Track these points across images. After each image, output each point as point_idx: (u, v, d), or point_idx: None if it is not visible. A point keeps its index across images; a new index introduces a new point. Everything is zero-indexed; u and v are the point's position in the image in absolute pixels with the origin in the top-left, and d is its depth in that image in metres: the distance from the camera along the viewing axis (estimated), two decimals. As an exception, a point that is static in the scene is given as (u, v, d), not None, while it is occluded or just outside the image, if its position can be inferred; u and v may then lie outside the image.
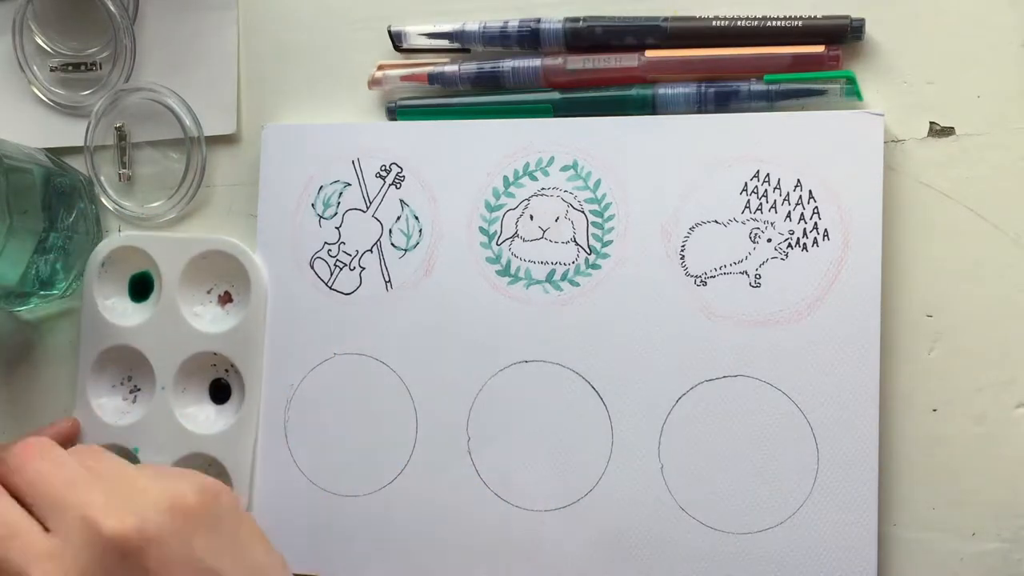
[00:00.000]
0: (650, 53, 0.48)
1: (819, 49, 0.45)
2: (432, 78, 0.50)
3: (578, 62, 0.49)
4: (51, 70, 0.56)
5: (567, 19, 0.49)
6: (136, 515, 0.34)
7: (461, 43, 0.50)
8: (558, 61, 0.49)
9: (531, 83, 0.49)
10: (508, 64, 0.49)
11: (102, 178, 0.56)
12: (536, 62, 0.49)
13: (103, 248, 0.54)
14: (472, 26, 0.50)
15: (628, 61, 0.48)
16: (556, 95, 0.49)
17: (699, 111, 0.47)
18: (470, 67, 0.50)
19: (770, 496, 0.45)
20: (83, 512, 0.33)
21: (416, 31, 0.51)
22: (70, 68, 0.56)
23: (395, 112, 0.51)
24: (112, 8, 0.54)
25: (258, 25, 0.54)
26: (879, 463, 0.44)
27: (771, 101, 0.46)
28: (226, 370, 0.54)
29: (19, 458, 0.35)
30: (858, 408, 0.44)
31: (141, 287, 0.55)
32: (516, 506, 0.48)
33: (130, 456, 0.53)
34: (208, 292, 0.54)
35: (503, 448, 0.49)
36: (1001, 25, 0.45)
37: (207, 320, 0.53)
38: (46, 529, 0.33)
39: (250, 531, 0.38)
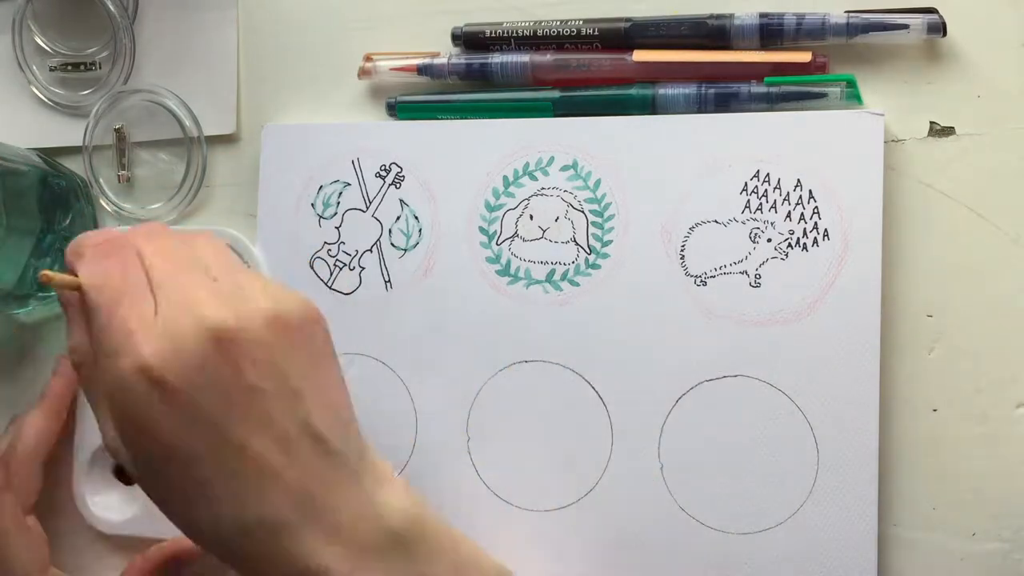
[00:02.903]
0: (638, 54, 0.48)
1: (806, 56, 0.46)
2: (421, 69, 0.51)
3: (566, 61, 0.49)
4: (50, 70, 0.56)
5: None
6: (239, 312, 0.35)
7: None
8: (546, 58, 0.49)
9: (520, 79, 0.50)
10: (497, 59, 0.50)
11: (101, 180, 0.56)
12: (525, 58, 0.49)
13: None
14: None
15: (617, 61, 0.48)
16: (556, 93, 0.49)
17: (699, 111, 0.47)
18: (459, 60, 0.50)
19: (770, 496, 0.45)
20: (191, 295, 0.35)
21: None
22: (69, 68, 0.56)
23: (395, 108, 0.51)
24: (112, 8, 0.54)
25: (258, 25, 0.54)
26: (879, 463, 0.44)
27: (771, 103, 0.46)
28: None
29: (155, 229, 0.38)
30: (858, 408, 0.44)
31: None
32: (516, 506, 0.48)
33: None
34: None
35: (503, 448, 0.48)
36: (1001, 25, 0.45)
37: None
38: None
39: (332, 366, 0.39)
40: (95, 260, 0.38)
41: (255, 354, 0.35)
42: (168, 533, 0.52)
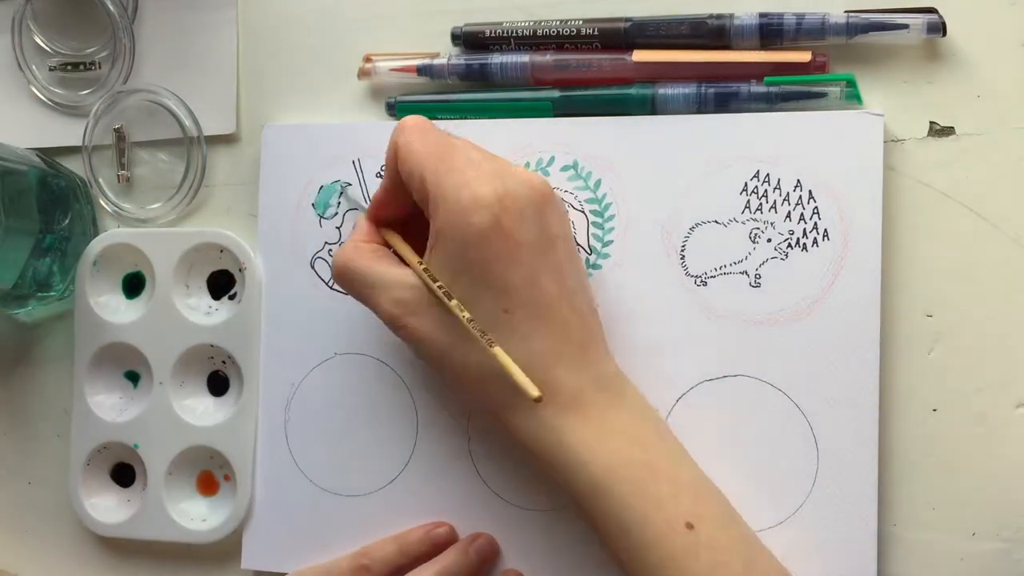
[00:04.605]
0: (638, 54, 0.48)
1: (806, 56, 0.46)
2: (421, 70, 0.51)
3: (566, 61, 0.49)
4: (50, 70, 0.56)
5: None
6: (537, 179, 0.42)
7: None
8: (546, 58, 0.49)
9: (519, 79, 0.50)
10: (497, 59, 0.50)
11: (101, 180, 0.55)
12: (524, 58, 0.49)
13: (95, 246, 0.54)
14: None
15: (617, 61, 0.48)
16: (556, 93, 0.49)
17: (699, 111, 0.47)
18: (459, 60, 0.50)
19: (770, 496, 0.45)
20: (500, 165, 0.42)
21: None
22: (69, 68, 0.56)
23: (395, 108, 0.51)
24: (111, 8, 0.54)
25: (258, 25, 0.54)
26: (879, 463, 0.44)
27: (771, 103, 0.46)
28: (223, 362, 0.54)
29: (416, 123, 0.44)
30: (858, 408, 0.44)
31: (134, 284, 0.55)
32: (516, 506, 0.48)
33: (131, 452, 0.53)
34: (201, 285, 0.54)
35: (503, 448, 0.48)
36: (1001, 25, 0.45)
37: (202, 312, 0.53)
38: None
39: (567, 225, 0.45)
40: (420, 134, 0.43)
41: (556, 208, 0.43)
42: (164, 536, 0.52)
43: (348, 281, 0.45)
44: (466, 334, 0.41)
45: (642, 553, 0.40)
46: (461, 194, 0.41)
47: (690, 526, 0.39)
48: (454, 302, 0.41)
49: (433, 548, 0.48)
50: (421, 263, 0.43)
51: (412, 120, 0.44)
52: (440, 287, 0.41)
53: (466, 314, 0.41)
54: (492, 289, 0.41)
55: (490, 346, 0.40)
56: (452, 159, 0.42)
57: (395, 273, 0.43)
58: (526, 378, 0.40)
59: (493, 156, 0.43)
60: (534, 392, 0.40)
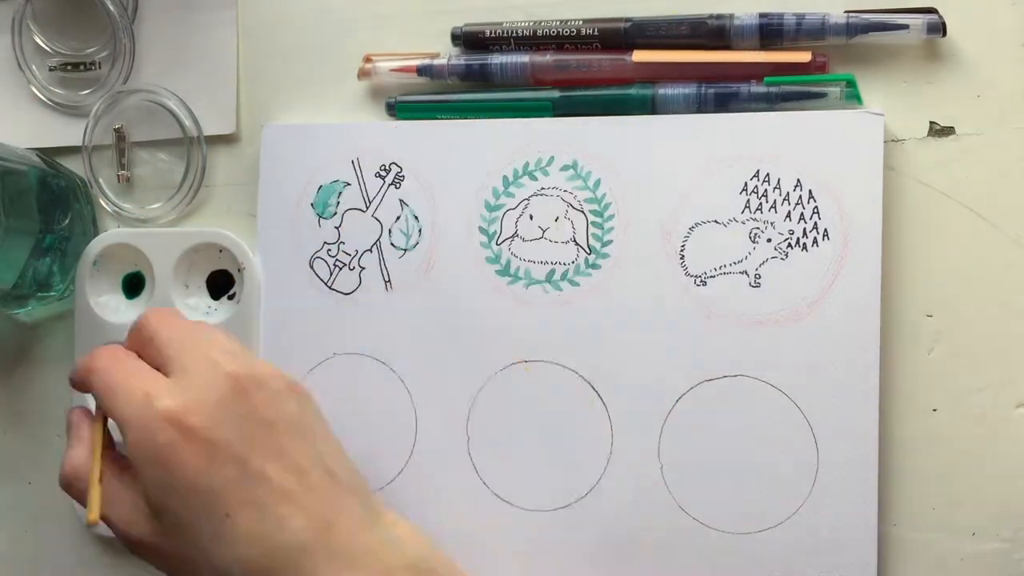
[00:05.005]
0: (638, 55, 0.48)
1: (806, 56, 0.46)
2: (421, 70, 0.51)
3: (566, 61, 0.49)
4: (50, 70, 0.56)
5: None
6: (250, 364, 0.41)
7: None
8: (546, 58, 0.49)
9: (519, 79, 0.50)
10: (497, 59, 0.50)
11: (100, 180, 0.55)
12: (524, 58, 0.49)
13: (95, 246, 0.54)
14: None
15: (617, 62, 0.48)
16: (556, 93, 0.49)
17: (699, 111, 0.47)
18: (459, 60, 0.50)
19: (770, 496, 0.45)
20: (206, 353, 0.41)
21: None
22: (69, 68, 0.56)
23: (394, 108, 0.51)
24: (111, 8, 0.54)
25: (257, 25, 0.54)
26: (879, 463, 0.44)
27: (771, 103, 0.46)
28: (222, 363, 0.54)
29: (155, 321, 0.43)
30: (858, 408, 0.44)
31: (134, 284, 0.55)
32: (516, 506, 0.48)
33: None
34: (201, 285, 0.54)
35: (503, 448, 0.48)
36: (1001, 25, 0.45)
37: (201, 312, 0.53)
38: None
39: (327, 424, 0.44)
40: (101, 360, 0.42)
41: (267, 394, 0.41)
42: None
43: (76, 495, 0.44)
44: (197, 550, 0.39)
45: None
46: (130, 411, 0.40)
47: None
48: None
49: None
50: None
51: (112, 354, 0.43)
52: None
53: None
54: (201, 496, 0.39)
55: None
56: (118, 371, 0.42)
57: (120, 505, 0.42)
58: (93, 503, 0.40)
59: (179, 359, 0.42)
60: (90, 516, 0.41)
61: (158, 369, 0.42)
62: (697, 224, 0.47)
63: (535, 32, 0.49)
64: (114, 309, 0.54)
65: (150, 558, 0.41)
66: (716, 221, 0.47)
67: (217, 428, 0.39)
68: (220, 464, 0.39)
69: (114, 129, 0.55)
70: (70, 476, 0.43)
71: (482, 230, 0.49)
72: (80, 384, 0.43)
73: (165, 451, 0.38)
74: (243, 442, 0.39)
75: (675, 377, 0.46)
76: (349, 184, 0.51)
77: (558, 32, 0.49)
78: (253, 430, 0.39)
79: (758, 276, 0.46)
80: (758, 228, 0.46)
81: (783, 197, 0.46)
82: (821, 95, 0.45)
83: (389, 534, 0.41)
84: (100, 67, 0.55)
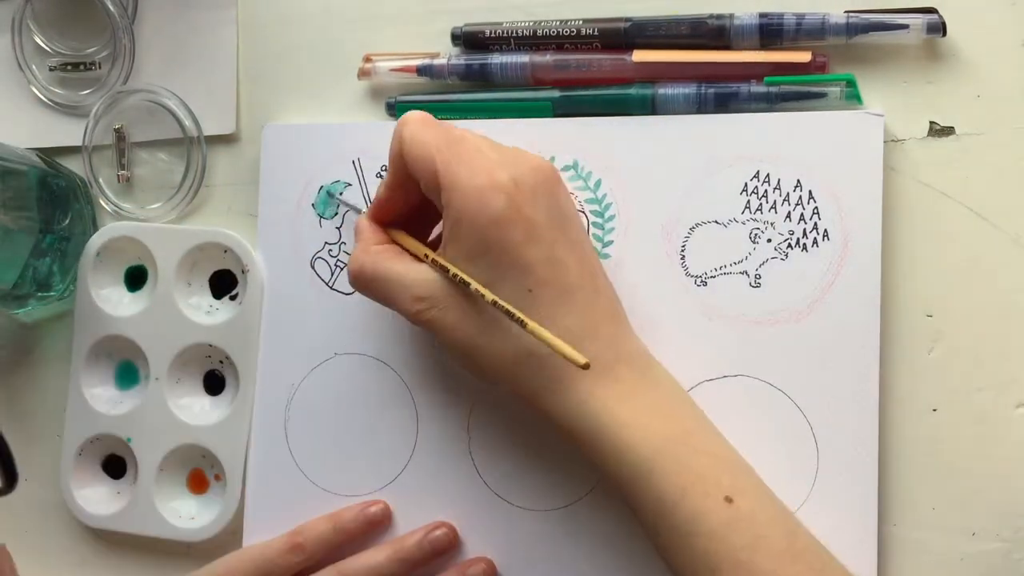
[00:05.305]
0: (637, 54, 0.48)
1: (806, 56, 0.46)
2: (421, 70, 0.51)
3: (566, 61, 0.49)
4: (50, 70, 0.56)
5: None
6: (549, 163, 0.43)
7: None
8: (546, 58, 0.49)
9: (519, 79, 0.50)
10: (496, 59, 0.50)
11: (100, 179, 0.55)
12: (524, 58, 0.49)
13: (98, 238, 0.54)
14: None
15: (617, 62, 0.48)
16: (556, 93, 0.49)
17: (699, 112, 0.47)
18: (459, 60, 0.50)
19: (770, 496, 0.45)
20: (518, 149, 0.43)
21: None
22: (69, 68, 0.56)
23: (395, 108, 0.51)
24: (111, 8, 0.54)
25: (258, 25, 0.54)
26: (879, 463, 0.44)
27: (771, 103, 0.46)
28: (220, 362, 0.54)
29: (420, 116, 0.44)
30: (858, 408, 0.44)
31: (136, 278, 0.55)
32: (516, 506, 0.48)
33: (123, 446, 0.53)
34: (203, 284, 0.54)
35: (503, 448, 0.48)
36: (1001, 25, 0.45)
37: (203, 311, 0.53)
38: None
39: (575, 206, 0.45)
40: (424, 126, 0.43)
41: (564, 190, 0.43)
42: (152, 531, 0.52)
43: (366, 285, 0.45)
44: (494, 319, 0.41)
45: (682, 529, 0.39)
46: (475, 181, 0.41)
47: (729, 500, 0.39)
48: (474, 286, 0.41)
49: (367, 526, 0.49)
50: (431, 256, 0.43)
51: (415, 114, 0.44)
52: (455, 276, 0.41)
53: (491, 295, 0.41)
54: (514, 269, 0.41)
55: (522, 324, 0.40)
56: (460, 149, 0.42)
57: (413, 270, 0.43)
58: (570, 347, 0.40)
59: (498, 144, 0.43)
60: (581, 359, 0.39)
61: None
62: (697, 224, 0.47)
63: (535, 32, 0.49)
64: (116, 303, 0.54)
65: (436, 325, 0.43)
66: (716, 221, 0.47)
67: (535, 210, 0.41)
68: (535, 242, 0.41)
69: (114, 129, 0.55)
70: (353, 269, 0.45)
71: (482, 230, 0.49)
72: (425, 160, 0.42)
73: (498, 222, 0.41)
74: (554, 229, 0.42)
75: (675, 377, 0.46)
76: (350, 184, 0.51)
77: (558, 32, 0.49)
78: (560, 221, 0.42)
79: (758, 276, 0.46)
80: (758, 228, 0.46)
81: (783, 197, 0.46)
82: (821, 95, 0.45)
83: (630, 331, 0.44)
84: (100, 67, 0.55)
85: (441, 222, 0.43)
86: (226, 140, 0.54)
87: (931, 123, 0.45)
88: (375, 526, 0.49)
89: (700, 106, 0.47)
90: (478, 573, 0.48)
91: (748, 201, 0.46)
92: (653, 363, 0.44)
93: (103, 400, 0.54)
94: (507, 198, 0.41)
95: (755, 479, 0.42)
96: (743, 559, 0.38)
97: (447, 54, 0.51)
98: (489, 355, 0.42)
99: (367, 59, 0.51)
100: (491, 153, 0.42)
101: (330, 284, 0.51)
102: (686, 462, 0.40)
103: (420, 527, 0.49)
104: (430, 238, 0.47)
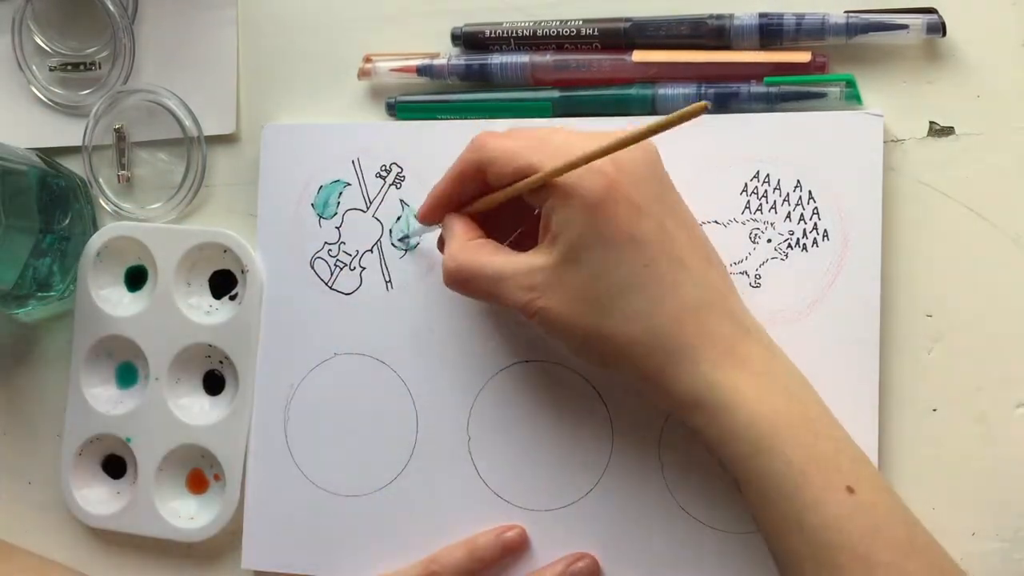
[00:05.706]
0: (637, 55, 0.48)
1: (806, 56, 0.46)
2: (421, 70, 0.51)
3: (566, 61, 0.49)
4: (50, 70, 0.56)
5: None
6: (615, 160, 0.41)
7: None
8: (546, 58, 0.49)
9: (519, 79, 0.50)
10: (496, 59, 0.50)
11: (100, 179, 0.55)
12: (524, 58, 0.49)
13: (98, 238, 0.54)
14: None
15: (617, 62, 0.48)
16: (555, 93, 0.49)
17: (699, 111, 0.47)
18: (459, 60, 0.50)
19: (770, 496, 0.45)
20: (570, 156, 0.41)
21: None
22: (69, 68, 0.56)
23: (395, 108, 0.51)
24: (111, 8, 0.54)
25: (258, 25, 0.54)
26: (879, 463, 0.44)
27: (771, 103, 0.46)
28: (220, 361, 0.54)
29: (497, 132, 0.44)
30: (858, 408, 0.44)
31: (136, 278, 0.55)
32: (516, 506, 0.48)
33: (123, 446, 0.53)
34: (203, 284, 0.54)
35: (503, 448, 0.48)
36: (1001, 25, 0.45)
37: (202, 311, 0.53)
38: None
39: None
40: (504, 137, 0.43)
41: (662, 163, 0.43)
42: (151, 531, 0.52)
43: (466, 281, 0.44)
44: (611, 300, 0.40)
45: (800, 515, 0.38)
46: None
47: (851, 489, 0.38)
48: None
49: (503, 552, 0.48)
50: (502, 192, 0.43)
51: (490, 132, 0.44)
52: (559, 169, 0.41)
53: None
54: (627, 247, 0.40)
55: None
56: (549, 145, 0.42)
57: (516, 260, 0.43)
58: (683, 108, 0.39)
59: (582, 133, 0.43)
60: (699, 103, 0.39)
61: None
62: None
63: (535, 32, 0.49)
64: (116, 303, 0.54)
65: (550, 314, 0.42)
66: (716, 221, 0.47)
67: (638, 188, 0.41)
68: (643, 217, 0.41)
69: (114, 129, 0.55)
70: (451, 267, 0.44)
71: (482, 230, 0.49)
72: (517, 156, 0.42)
73: (603, 202, 0.40)
74: (661, 203, 0.42)
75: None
76: (350, 184, 0.51)
77: (558, 32, 0.49)
78: (665, 194, 0.42)
79: (758, 276, 0.46)
80: (758, 228, 0.46)
81: (783, 197, 0.46)
82: (821, 95, 0.45)
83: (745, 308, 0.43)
84: (100, 67, 0.55)
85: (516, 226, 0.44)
86: (226, 140, 0.54)
87: (931, 123, 0.45)
88: (511, 551, 0.48)
89: (700, 106, 0.47)
90: (583, 569, 0.47)
91: (748, 201, 0.46)
92: (773, 341, 0.43)
93: (103, 400, 0.54)
94: (606, 178, 0.40)
95: (873, 469, 0.41)
96: (861, 552, 0.37)
97: (447, 54, 0.51)
98: (611, 337, 0.41)
99: (367, 59, 0.52)
100: (580, 142, 0.41)
101: (329, 284, 0.51)
102: (810, 446, 0.39)
103: (560, 559, 0.48)
104: (507, 241, 0.46)
